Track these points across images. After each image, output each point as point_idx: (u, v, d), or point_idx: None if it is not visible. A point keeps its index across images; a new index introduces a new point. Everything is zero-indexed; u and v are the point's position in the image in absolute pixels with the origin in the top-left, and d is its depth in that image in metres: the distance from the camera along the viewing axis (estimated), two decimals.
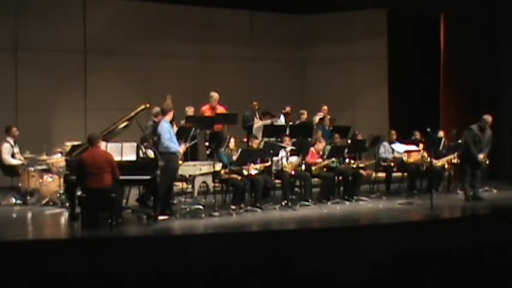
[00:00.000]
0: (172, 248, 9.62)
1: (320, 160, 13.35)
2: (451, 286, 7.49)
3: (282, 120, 15.11)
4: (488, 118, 13.33)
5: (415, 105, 17.67)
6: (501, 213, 12.53)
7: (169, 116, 11.67)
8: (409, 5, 16.58)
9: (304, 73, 19.43)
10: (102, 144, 10.80)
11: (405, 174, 14.50)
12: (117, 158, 10.76)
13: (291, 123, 14.84)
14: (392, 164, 14.37)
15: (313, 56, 19.24)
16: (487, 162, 13.76)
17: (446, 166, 14.47)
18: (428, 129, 13.40)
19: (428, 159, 13.98)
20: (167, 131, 11.44)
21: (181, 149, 11.76)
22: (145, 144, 11.68)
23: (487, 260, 9.15)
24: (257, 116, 14.96)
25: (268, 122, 14.40)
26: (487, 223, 11.59)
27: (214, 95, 14.41)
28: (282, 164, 12.89)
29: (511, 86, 17.08)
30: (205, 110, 14.33)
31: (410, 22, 18.03)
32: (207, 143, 13.89)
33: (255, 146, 12.88)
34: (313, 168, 13.22)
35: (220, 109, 14.37)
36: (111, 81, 16.65)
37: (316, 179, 13.38)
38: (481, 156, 13.26)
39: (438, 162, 14.27)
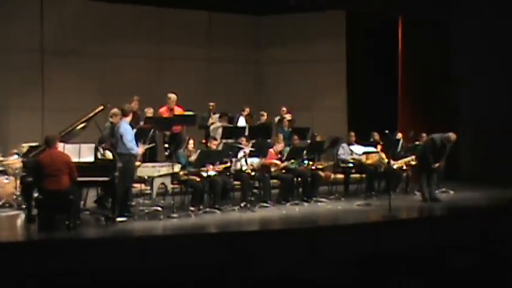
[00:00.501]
0: (130, 250, 9.54)
1: (279, 162, 13.36)
2: (412, 286, 7.55)
3: (242, 122, 15.08)
4: (452, 137, 13.41)
5: (374, 106, 17.78)
6: (458, 213, 12.66)
7: (129, 118, 11.58)
8: (367, 7, 16.69)
9: (262, 74, 19.44)
10: (60, 146, 10.68)
11: (363, 175, 14.58)
12: (75, 159, 10.63)
13: (251, 124, 14.84)
14: (351, 166, 14.44)
15: (271, 57, 19.26)
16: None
17: (404, 167, 14.56)
18: (387, 131, 13.52)
19: (387, 160, 14.12)
20: (129, 132, 11.37)
21: (139, 150, 11.68)
22: (103, 145, 11.57)
23: (446, 260, 9.23)
24: (212, 117, 14.94)
25: (222, 124, 14.32)
26: (444, 224, 11.71)
27: (172, 97, 14.35)
28: (241, 165, 12.87)
29: (467, 87, 17.26)
30: (163, 111, 14.26)
31: (369, 24, 18.14)
32: (166, 145, 13.83)
33: (213, 147, 12.85)
34: (272, 169, 13.23)
35: (178, 110, 14.32)
36: (69, 82, 16.51)
37: (275, 181, 13.39)
38: (436, 165, 13.37)
39: (396, 164, 14.36)
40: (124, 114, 11.62)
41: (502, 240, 8.77)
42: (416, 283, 7.37)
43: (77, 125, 11.53)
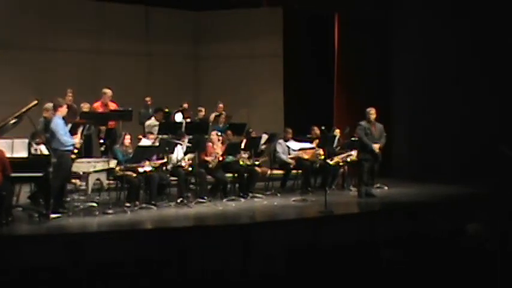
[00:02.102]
0: (64, 247, 9.43)
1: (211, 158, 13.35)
2: (344, 281, 7.65)
3: (179, 117, 15.02)
4: (370, 110, 13.55)
5: (310, 103, 17.93)
6: (392, 209, 12.83)
7: (61, 112, 11.39)
8: (303, 4, 16.82)
9: (200, 69, 19.41)
10: None
11: (300, 171, 14.66)
12: (7, 154, 10.47)
13: (189, 119, 14.79)
14: (288, 161, 14.49)
15: (209, 53, 19.24)
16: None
17: (340, 163, 14.68)
18: (323, 127, 13.63)
19: (323, 156, 14.23)
20: (62, 126, 11.20)
21: (75, 140, 11.46)
22: (36, 140, 11.40)
23: (380, 254, 9.34)
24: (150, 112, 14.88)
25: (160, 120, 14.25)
26: (379, 219, 11.86)
27: (108, 92, 14.24)
28: (177, 161, 12.83)
29: (401, 85, 17.52)
30: (97, 106, 14.13)
31: (306, 21, 18.29)
32: (101, 140, 13.69)
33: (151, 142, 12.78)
34: (209, 165, 13.22)
35: (113, 106, 14.20)
36: (3, 75, 16.21)
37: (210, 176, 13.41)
38: (376, 146, 13.40)
39: (333, 160, 14.49)
40: (55, 108, 11.43)
41: (430, 235, 8.96)
42: (349, 277, 7.48)
43: (10, 120, 11.33)
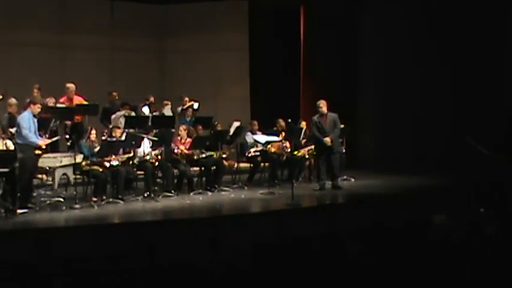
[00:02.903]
0: (31, 242, 9.42)
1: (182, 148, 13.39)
2: (310, 274, 7.72)
3: (146, 111, 14.99)
4: (319, 103, 13.65)
5: (277, 96, 18.00)
6: (358, 201, 12.95)
7: (33, 109, 11.37)
8: None
9: (165, 63, 19.35)
10: None
11: (267, 164, 14.73)
12: None
13: (155, 113, 14.77)
14: (257, 155, 14.54)
15: (175, 47, 19.19)
16: (343, 150, 14.20)
17: (306, 156, 14.77)
18: (290, 120, 13.70)
19: (289, 149, 14.31)
20: (27, 121, 11.19)
21: (41, 142, 11.43)
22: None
23: (346, 247, 9.42)
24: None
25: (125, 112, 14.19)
26: (344, 211, 11.98)
27: (71, 86, 14.18)
28: (144, 155, 12.82)
29: (369, 77, 17.66)
30: (63, 101, 14.06)
31: (271, 14, 18.35)
32: (67, 135, 13.62)
33: (118, 135, 12.75)
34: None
35: (79, 100, 14.14)
36: None
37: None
38: (327, 139, 13.45)
39: (299, 152, 14.57)
40: (31, 103, 11.47)
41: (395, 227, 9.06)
42: (316, 270, 7.56)
43: None
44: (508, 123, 15.17)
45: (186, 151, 13.42)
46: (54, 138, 12.17)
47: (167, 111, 15.13)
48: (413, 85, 16.86)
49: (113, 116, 14.16)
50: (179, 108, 15.65)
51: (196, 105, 15.76)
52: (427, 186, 14.15)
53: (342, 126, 13.92)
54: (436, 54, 16.52)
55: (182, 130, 13.70)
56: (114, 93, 15.14)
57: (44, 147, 11.46)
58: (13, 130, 12.11)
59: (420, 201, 12.26)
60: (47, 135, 12.07)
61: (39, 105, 11.56)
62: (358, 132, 16.74)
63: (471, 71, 16.09)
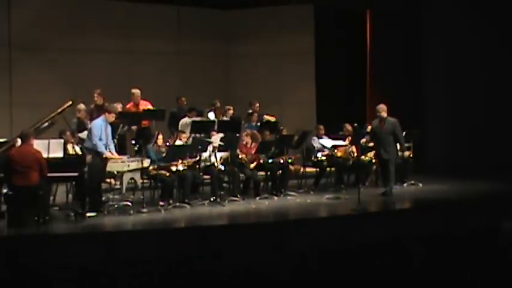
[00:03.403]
0: (100, 245, 9.55)
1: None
2: (376, 279, 7.67)
3: (212, 116, 15.06)
4: (378, 107, 13.47)
5: (342, 100, 17.91)
6: (425, 206, 12.78)
7: (107, 117, 11.64)
8: (335, 0, 16.86)
9: (230, 68, 19.42)
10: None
11: (333, 168, 14.65)
12: (44, 154, 10.62)
13: (221, 118, 14.83)
14: (323, 159, 14.48)
15: (240, 51, 19.25)
16: (397, 158, 14.00)
17: (373, 160, 14.60)
18: (356, 124, 13.58)
19: (356, 153, 14.20)
20: (98, 128, 11.44)
21: (108, 154, 11.63)
22: (62, 136, 11.59)
23: (411, 253, 9.33)
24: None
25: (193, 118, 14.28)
26: (412, 217, 11.83)
27: (136, 92, 14.33)
28: (210, 159, 12.89)
29: (435, 81, 17.43)
30: (130, 107, 14.24)
31: (337, 16, 18.28)
32: (133, 141, 13.77)
33: (183, 141, 12.85)
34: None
35: (145, 104, 14.29)
36: (37, 76, 16.37)
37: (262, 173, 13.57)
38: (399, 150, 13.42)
39: (366, 157, 14.46)
40: (107, 110, 11.80)
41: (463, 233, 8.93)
42: (381, 275, 7.51)
43: (46, 121, 11.54)
44: None
45: (250, 156, 13.43)
46: (123, 157, 12.18)
47: (211, 116, 15.10)
48: (480, 89, 16.59)
49: (181, 121, 14.28)
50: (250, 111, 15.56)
51: (272, 119, 15.73)
52: (496, 192, 13.88)
53: (405, 131, 13.77)
54: (502, 59, 16.23)
55: (245, 136, 13.74)
56: (183, 98, 15.24)
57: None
58: (81, 135, 12.36)
59: (489, 207, 12.05)
60: (115, 141, 12.24)
61: (113, 115, 11.78)
62: (426, 137, 16.50)
63: None
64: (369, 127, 15.00)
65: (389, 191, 13.27)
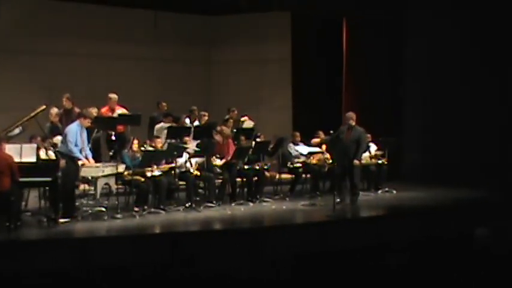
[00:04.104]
0: (74, 251, 9.47)
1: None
2: (351, 286, 7.66)
3: (188, 122, 15.00)
4: (348, 115, 13.39)
5: (319, 106, 17.92)
6: (399, 213, 12.82)
7: (82, 122, 11.54)
8: (312, 8, 16.86)
9: (209, 74, 19.39)
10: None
11: (309, 175, 14.65)
12: (16, 159, 10.50)
13: (196, 122, 14.78)
14: (299, 166, 14.48)
15: (218, 57, 19.22)
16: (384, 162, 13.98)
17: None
18: (331, 131, 13.57)
19: (331, 160, 14.22)
20: (74, 134, 11.32)
21: (84, 160, 11.54)
22: (32, 141, 11.49)
23: (387, 259, 9.34)
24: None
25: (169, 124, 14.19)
26: (386, 223, 11.86)
27: (113, 97, 14.23)
28: (186, 165, 12.84)
29: (413, 88, 17.49)
30: (105, 111, 14.13)
31: (314, 25, 18.31)
32: (113, 137, 13.64)
33: (158, 146, 12.78)
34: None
35: (121, 110, 14.21)
36: (14, 80, 16.21)
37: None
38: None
39: None
40: (82, 116, 11.68)
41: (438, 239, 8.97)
42: (357, 282, 7.49)
43: (18, 125, 11.44)
44: None
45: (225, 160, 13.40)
46: (98, 164, 12.05)
47: (201, 122, 15.04)
48: (459, 96, 16.67)
49: (156, 126, 14.20)
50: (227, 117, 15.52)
51: (248, 124, 15.68)
52: (469, 198, 13.97)
53: (381, 139, 13.82)
54: (483, 64, 16.31)
55: (215, 135, 13.73)
56: (163, 103, 15.16)
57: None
58: (55, 139, 12.24)
59: (462, 214, 12.11)
60: (90, 146, 12.14)
61: (89, 120, 11.68)
62: (402, 144, 16.56)
63: None
64: (322, 135, 14.84)
65: (355, 198, 13.28)
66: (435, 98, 17.07)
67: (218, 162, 13.36)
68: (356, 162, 13.17)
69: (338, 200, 12.95)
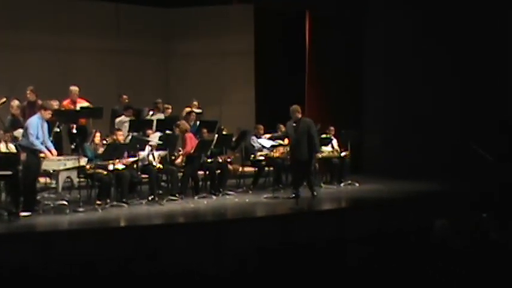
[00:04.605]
0: (35, 246, 9.39)
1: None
2: (314, 279, 7.69)
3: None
4: (293, 108, 13.31)
5: (282, 100, 17.94)
6: (361, 205, 12.92)
7: (43, 114, 11.39)
8: (274, 1, 16.92)
9: (170, 66, 19.31)
10: None
11: (271, 168, 14.69)
12: None
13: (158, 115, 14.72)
14: (262, 159, 14.51)
15: (179, 50, 19.15)
16: (347, 155, 14.08)
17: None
18: (294, 124, 13.60)
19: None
20: (35, 126, 11.19)
21: (47, 153, 11.41)
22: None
23: (348, 252, 9.40)
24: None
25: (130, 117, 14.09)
26: (348, 216, 11.94)
27: (74, 89, 14.08)
28: (148, 158, 12.80)
29: (375, 82, 17.64)
30: (66, 104, 14.00)
31: (277, 18, 18.33)
32: (74, 130, 13.53)
33: (120, 139, 12.70)
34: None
35: (83, 102, 14.09)
36: None
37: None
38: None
39: None
40: (43, 108, 11.50)
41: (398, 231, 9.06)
42: (320, 275, 7.54)
43: None
44: (509, 132, 15.12)
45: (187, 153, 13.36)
46: (60, 157, 11.92)
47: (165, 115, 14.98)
48: (420, 91, 16.84)
49: (117, 120, 14.12)
50: (186, 109, 15.47)
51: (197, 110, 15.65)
52: (430, 191, 14.12)
53: (343, 132, 13.92)
54: (444, 61, 16.50)
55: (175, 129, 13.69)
56: (124, 96, 15.06)
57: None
58: (16, 132, 12.10)
59: (422, 206, 12.24)
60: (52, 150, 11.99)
61: (49, 112, 11.55)
62: (364, 137, 16.69)
63: (480, 79, 16.09)
64: (283, 128, 14.85)
65: (312, 191, 13.31)
66: (395, 90, 17.23)
67: (179, 160, 13.29)
68: (317, 155, 13.28)
69: (293, 194, 12.99)
